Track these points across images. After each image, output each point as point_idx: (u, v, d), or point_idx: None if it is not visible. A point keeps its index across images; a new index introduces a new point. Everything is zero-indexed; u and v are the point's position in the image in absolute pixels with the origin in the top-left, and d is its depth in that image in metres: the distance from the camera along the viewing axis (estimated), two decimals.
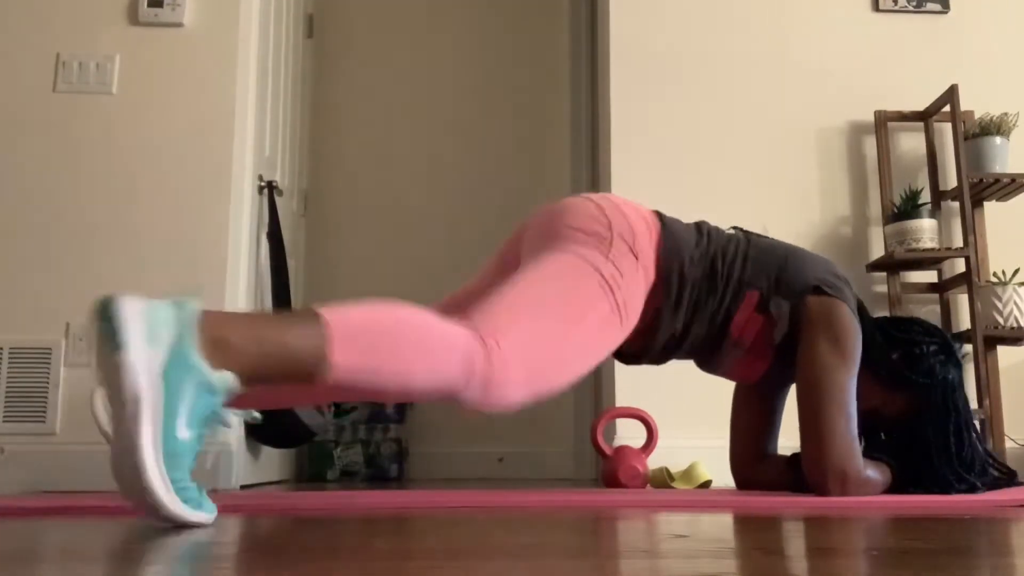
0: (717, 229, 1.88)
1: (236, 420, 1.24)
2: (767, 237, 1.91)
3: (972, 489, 1.80)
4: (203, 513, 1.12)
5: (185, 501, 1.09)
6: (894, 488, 1.83)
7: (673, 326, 1.79)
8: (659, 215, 1.82)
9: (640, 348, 1.85)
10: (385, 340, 1.30)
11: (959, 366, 1.91)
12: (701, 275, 1.78)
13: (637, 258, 1.67)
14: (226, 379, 1.13)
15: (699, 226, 1.87)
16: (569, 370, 1.56)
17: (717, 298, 1.79)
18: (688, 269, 1.76)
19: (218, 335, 1.15)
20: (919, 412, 1.87)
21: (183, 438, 1.09)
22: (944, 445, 1.83)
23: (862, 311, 1.88)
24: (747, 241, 1.87)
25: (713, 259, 1.80)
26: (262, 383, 1.22)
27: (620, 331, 1.65)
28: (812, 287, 1.81)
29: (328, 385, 1.26)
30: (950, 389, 1.87)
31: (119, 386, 1.07)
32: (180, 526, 1.09)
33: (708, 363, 1.93)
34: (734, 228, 1.92)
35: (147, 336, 1.08)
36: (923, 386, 1.86)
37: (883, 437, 1.98)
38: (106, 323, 1.09)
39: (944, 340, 1.91)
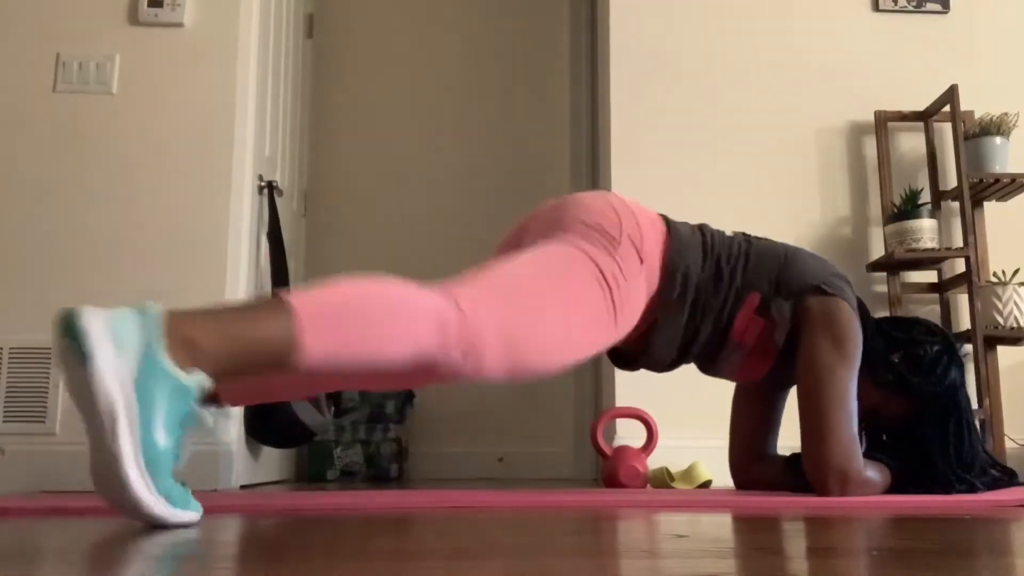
0: (719, 232, 1.89)
1: (217, 419, 1.18)
2: (766, 239, 1.91)
3: (972, 489, 1.80)
4: (190, 512, 1.15)
5: (171, 503, 1.12)
6: (894, 488, 1.82)
7: (676, 327, 1.78)
8: (664, 218, 1.82)
9: (640, 349, 1.85)
10: (354, 317, 1.28)
11: (961, 366, 1.91)
12: (707, 277, 1.78)
13: (642, 261, 1.66)
14: (199, 379, 1.13)
15: (702, 229, 1.86)
16: (549, 352, 1.50)
17: (720, 300, 1.79)
18: (693, 271, 1.76)
19: (185, 336, 1.14)
20: (921, 413, 1.87)
21: (162, 445, 1.09)
22: (945, 446, 1.83)
23: (863, 311, 1.87)
24: (747, 243, 1.87)
25: (718, 261, 1.80)
26: (236, 376, 1.21)
27: (613, 330, 1.62)
28: (813, 287, 1.81)
29: (304, 371, 1.25)
30: (952, 390, 1.86)
31: (92, 399, 1.06)
32: (167, 526, 1.12)
33: (710, 366, 1.92)
34: (734, 232, 1.92)
35: (114, 345, 1.07)
36: (926, 390, 1.86)
37: (884, 437, 1.98)
38: (71, 338, 1.06)
39: (947, 340, 1.91)
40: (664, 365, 1.88)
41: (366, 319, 1.28)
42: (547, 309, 1.50)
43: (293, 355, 1.21)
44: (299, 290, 1.28)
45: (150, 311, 1.13)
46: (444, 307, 1.35)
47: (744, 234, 1.90)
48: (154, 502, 1.09)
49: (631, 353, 1.89)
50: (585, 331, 1.56)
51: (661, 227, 1.76)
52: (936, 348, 1.88)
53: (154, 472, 1.09)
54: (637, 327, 1.79)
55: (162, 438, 1.09)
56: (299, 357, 1.22)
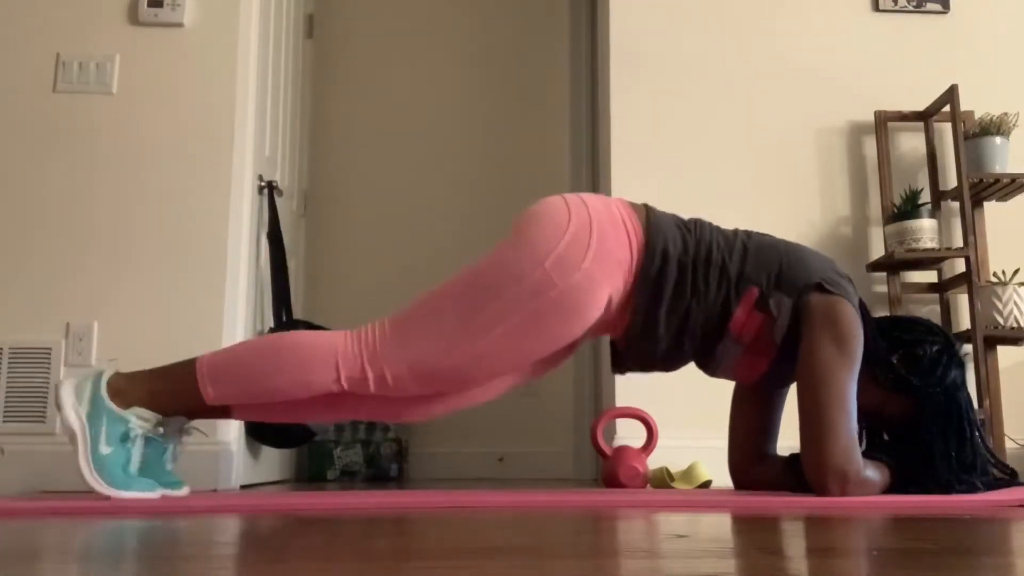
0: (714, 225, 1.89)
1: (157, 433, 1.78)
2: (768, 235, 1.91)
3: (972, 489, 1.80)
4: (130, 492, 1.70)
5: (114, 487, 1.68)
6: (894, 488, 1.82)
7: (658, 304, 1.78)
8: (645, 206, 1.86)
9: (628, 341, 1.84)
10: (245, 367, 1.75)
11: (962, 365, 1.90)
12: (693, 259, 1.79)
13: (592, 253, 1.73)
14: (134, 411, 1.74)
15: (692, 220, 1.89)
16: (466, 366, 1.74)
17: (715, 287, 1.79)
18: (672, 250, 1.78)
19: (117, 388, 1.74)
20: (921, 413, 1.86)
21: (104, 452, 1.71)
22: (944, 446, 1.83)
23: (864, 311, 1.87)
24: (748, 236, 1.87)
25: (709, 246, 1.81)
26: (172, 413, 1.77)
27: (557, 328, 1.75)
28: (815, 284, 1.81)
29: (216, 408, 1.79)
30: (952, 389, 1.86)
31: (64, 429, 1.73)
32: (113, 499, 1.68)
33: (709, 363, 1.91)
34: (736, 229, 1.92)
35: (75, 397, 1.74)
36: (925, 391, 1.85)
37: (885, 436, 1.97)
38: (56, 397, 1.76)
39: (947, 340, 1.90)
40: (660, 353, 1.85)
41: (252, 366, 1.75)
42: (453, 330, 1.73)
43: (200, 399, 1.74)
44: (213, 351, 1.80)
45: (101, 375, 1.75)
46: (341, 344, 1.74)
47: (745, 231, 1.90)
48: (95, 483, 1.69)
49: (622, 346, 1.88)
50: (511, 338, 1.73)
51: (633, 216, 1.82)
52: (936, 348, 1.87)
53: (99, 468, 1.70)
54: (621, 318, 1.80)
55: (104, 448, 1.71)
56: (205, 399, 1.74)
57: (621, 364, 1.92)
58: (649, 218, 1.83)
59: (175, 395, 1.76)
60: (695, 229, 1.85)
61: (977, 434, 1.86)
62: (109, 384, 1.75)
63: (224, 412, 1.87)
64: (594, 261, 1.73)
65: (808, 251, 1.89)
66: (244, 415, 1.92)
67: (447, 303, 1.76)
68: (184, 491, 1.84)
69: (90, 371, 1.79)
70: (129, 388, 1.75)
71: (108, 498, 1.68)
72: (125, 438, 1.72)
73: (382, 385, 1.74)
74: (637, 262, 1.77)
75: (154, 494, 1.73)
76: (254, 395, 1.77)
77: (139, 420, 1.73)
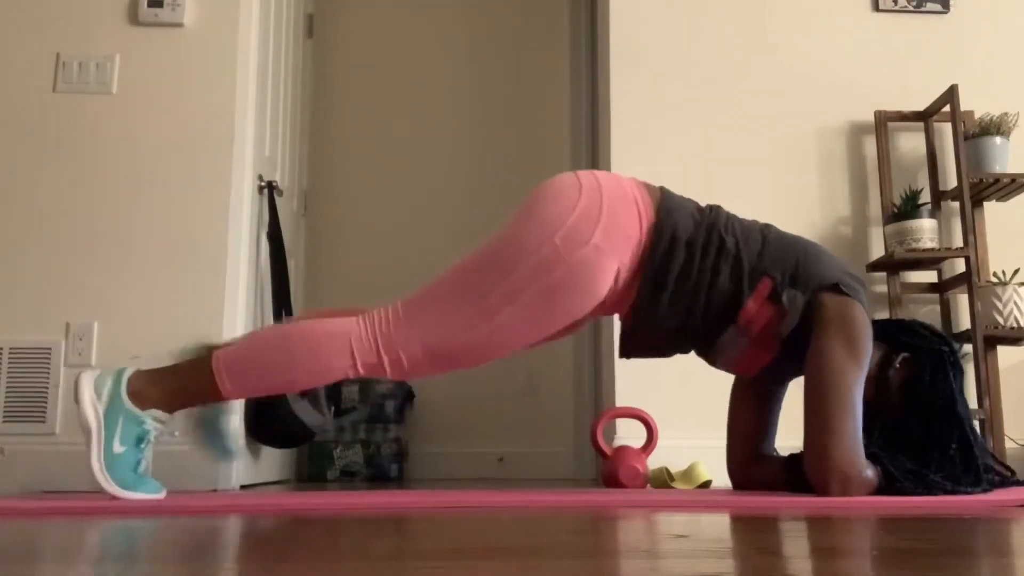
0: (732, 213, 1.90)
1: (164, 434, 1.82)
2: (789, 233, 1.92)
3: (976, 484, 1.79)
4: (139, 494, 1.71)
5: (123, 487, 1.69)
6: (886, 488, 1.81)
7: (664, 281, 1.79)
8: (660, 188, 1.88)
9: (633, 318, 1.84)
10: (261, 360, 1.76)
11: (962, 372, 1.90)
12: (704, 244, 1.80)
13: (599, 229, 1.74)
14: (153, 414, 1.74)
15: (709, 205, 1.90)
16: (476, 329, 1.74)
17: (726, 273, 1.79)
18: (682, 231, 1.79)
19: (136, 389, 1.74)
20: (917, 421, 1.86)
21: (117, 451, 1.71)
22: (943, 453, 1.82)
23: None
24: (767, 228, 1.89)
25: (723, 233, 1.82)
26: (186, 407, 1.79)
27: (572, 292, 1.75)
28: (831, 284, 1.81)
29: (234, 399, 1.82)
30: (949, 399, 1.86)
31: (80, 422, 1.73)
32: (121, 500, 1.69)
33: (710, 351, 1.90)
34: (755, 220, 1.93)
35: (94, 392, 1.74)
36: (922, 401, 1.85)
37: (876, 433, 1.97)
38: (75, 390, 1.76)
39: (945, 346, 1.90)
40: (663, 333, 1.84)
41: (268, 358, 1.76)
42: (467, 308, 1.74)
43: (217, 393, 1.74)
44: (229, 345, 1.80)
45: (122, 372, 1.76)
46: (354, 330, 1.74)
47: (766, 223, 1.91)
48: (104, 482, 1.69)
49: (629, 323, 1.87)
50: (524, 314, 1.75)
51: (646, 195, 1.83)
52: (933, 351, 1.88)
53: (111, 466, 1.70)
54: (628, 294, 1.81)
55: (118, 447, 1.71)
56: (223, 393, 1.74)
57: (627, 348, 1.91)
58: (662, 199, 1.84)
59: (191, 392, 1.76)
60: (709, 214, 1.86)
61: (977, 440, 1.86)
62: (129, 383, 1.75)
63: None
64: (603, 235, 1.75)
65: (825, 251, 1.90)
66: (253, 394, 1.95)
67: (459, 282, 1.77)
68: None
69: (110, 368, 1.78)
70: (147, 388, 1.75)
71: (114, 497, 1.68)
72: (140, 440, 1.73)
73: (397, 368, 1.75)
74: (646, 240, 1.79)
75: (160, 495, 1.74)
76: (272, 387, 1.81)
77: (155, 422, 1.74)
